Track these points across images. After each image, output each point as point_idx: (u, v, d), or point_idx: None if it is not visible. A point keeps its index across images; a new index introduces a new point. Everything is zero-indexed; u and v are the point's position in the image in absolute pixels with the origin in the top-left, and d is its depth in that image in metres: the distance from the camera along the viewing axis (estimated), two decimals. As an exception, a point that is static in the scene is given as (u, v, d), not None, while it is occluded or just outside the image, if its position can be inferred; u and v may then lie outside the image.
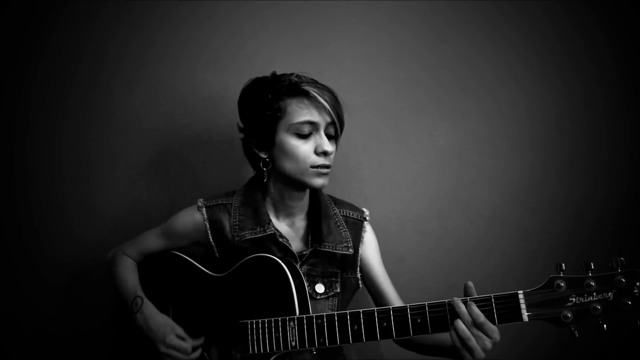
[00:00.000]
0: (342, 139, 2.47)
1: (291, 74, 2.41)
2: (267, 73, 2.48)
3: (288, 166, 2.37)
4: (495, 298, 1.95)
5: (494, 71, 3.13)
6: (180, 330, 2.40)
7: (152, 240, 2.62)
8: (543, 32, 3.14)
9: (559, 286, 1.87)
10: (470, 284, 2.06)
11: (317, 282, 2.47)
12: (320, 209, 2.54)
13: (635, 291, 1.81)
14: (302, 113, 2.33)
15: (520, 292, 1.92)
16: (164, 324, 2.41)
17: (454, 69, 3.14)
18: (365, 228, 2.63)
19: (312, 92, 2.31)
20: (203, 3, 3.08)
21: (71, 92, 3.06)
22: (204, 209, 2.51)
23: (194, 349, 2.39)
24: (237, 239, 2.43)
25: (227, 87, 3.00)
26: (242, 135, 2.54)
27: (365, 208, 2.68)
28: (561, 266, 1.90)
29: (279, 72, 2.47)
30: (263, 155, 2.44)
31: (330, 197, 2.66)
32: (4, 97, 3.05)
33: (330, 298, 2.49)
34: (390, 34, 3.14)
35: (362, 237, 2.61)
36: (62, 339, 3.05)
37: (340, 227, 2.54)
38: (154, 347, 2.40)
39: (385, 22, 3.13)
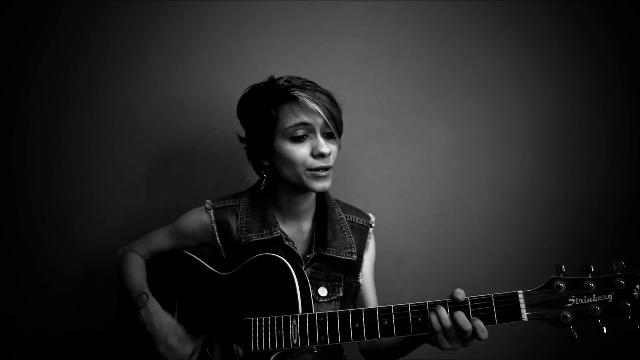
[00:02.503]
0: (343, 139, 2.44)
1: (282, 78, 2.38)
2: (267, 73, 2.46)
3: (287, 172, 2.36)
4: (495, 297, 1.96)
5: (494, 71, 3.14)
6: (181, 332, 2.41)
7: (161, 240, 2.63)
8: (543, 32, 3.15)
9: (558, 287, 1.88)
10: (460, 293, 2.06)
11: (320, 286, 2.47)
12: (326, 214, 2.54)
13: (634, 294, 1.82)
14: (293, 117, 2.30)
15: (520, 292, 1.92)
16: (167, 324, 2.41)
17: (454, 68, 3.14)
18: (370, 235, 2.63)
19: (300, 97, 2.27)
20: (202, 3, 3.07)
21: (70, 92, 3.05)
22: (212, 211, 2.52)
23: (194, 352, 2.39)
24: (243, 240, 2.44)
25: (227, 87, 3.01)
26: (244, 145, 2.54)
27: (365, 207, 2.68)
28: (561, 268, 1.91)
29: (277, 74, 2.45)
30: (265, 163, 2.44)
31: (338, 201, 2.66)
32: (4, 97, 3.04)
33: (333, 302, 2.49)
34: (391, 34, 3.14)
35: (367, 244, 2.61)
36: (63, 340, 3.05)
37: (345, 233, 2.54)
38: (154, 345, 2.41)
39: (385, 22, 3.13)
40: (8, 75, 3.04)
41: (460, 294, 2.01)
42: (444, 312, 2.00)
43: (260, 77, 2.45)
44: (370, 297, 2.61)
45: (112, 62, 3.07)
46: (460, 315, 1.98)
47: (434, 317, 2.01)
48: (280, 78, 2.39)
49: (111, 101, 3.07)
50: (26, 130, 3.04)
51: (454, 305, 2.01)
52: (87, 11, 3.04)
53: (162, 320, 2.43)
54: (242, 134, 2.52)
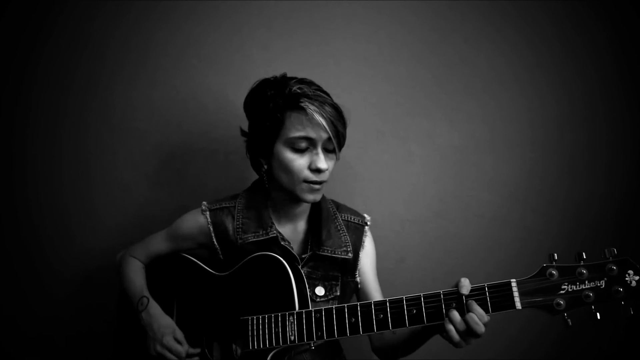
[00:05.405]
0: (343, 139, 2.46)
1: (296, 81, 2.36)
2: (267, 73, 2.47)
3: (282, 178, 2.37)
4: (489, 287, 1.96)
5: (494, 71, 3.14)
6: (180, 335, 2.42)
7: (159, 243, 2.64)
8: (543, 32, 3.14)
9: (551, 274, 1.88)
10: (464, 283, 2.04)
11: (317, 285, 2.47)
12: (321, 214, 2.54)
13: (626, 279, 1.82)
14: (299, 128, 2.29)
15: (513, 280, 1.92)
16: (166, 326, 2.43)
17: (454, 68, 3.14)
18: (366, 233, 2.62)
19: (309, 109, 2.26)
20: (202, 3, 3.08)
21: (70, 92, 3.06)
22: (208, 213, 2.53)
23: (190, 356, 2.40)
24: (240, 241, 2.45)
25: (227, 87, 3.04)
26: (245, 139, 2.54)
27: (365, 206, 2.69)
28: (553, 256, 1.91)
29: (277, 73, 2.46)
30: (262, 161, 2.45)
31: (333, 201, 2.66)
32: (4, 97, 3.05)
33: (331, 301, 2.49)
34: (390, 34, 3.14)
35: (363, 242, 2.60)
36: (63, 342, 3.06)
37: (341, 232, 2.54)
38: (151, 345, 2.42)
39: (385, 22, 3.14)
40: (8, 75, 3.05)
41: (465, 287, 2.01)
42: (456, 316, 1.99)
43: (260, 77, 2.46)
44: (376, 297, 2.57)
45: (112, 62, 3.08)
46: (472, 318, 1.96)
47: (449, 325, 2.00)
48: (292, 79, 2.39)
49: (111, 101, 3.08)
50: (26, 130, 3.05)
51: (449, 295, 2.03)
52: (87, 11, 3.05)
53: (161, 322, 2.45)
54: (245, 126, 2.52)
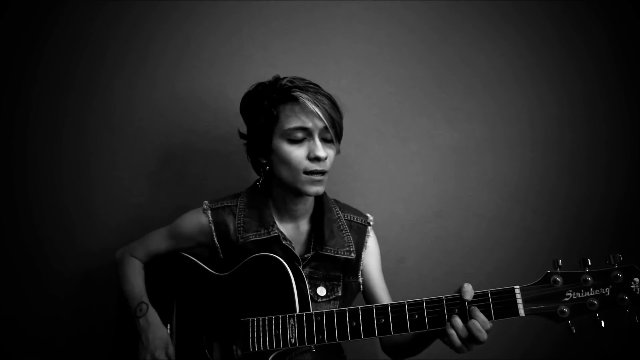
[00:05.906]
0: (344, 138, 2.44)
1: (285, 78, 2.38)
2: (267, 73, 2.47)
3: (283, 173, 2.37)
4: (492, 293, 1.96)
5: (494, 71, 3.13)
6: (172, 351, 2.42)
7: (159, 242, 2.64)
8: (543, 32, 3.14)
9: (555, 281, 1.87)
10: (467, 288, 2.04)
11: (319, 285, 2.47)
12: (323, 213, 2.54)
13: (632, 287, 1.82)
14: (294, 119, 2.30)
15: (517, 287, 1.92)
16: (160, 338, 2.43)
17: (454, 68, 3.14)
18: (369, 233, 2.62)
19: (301, 98, 2.27)
20: (202, 3, 3.07)
21: (71, 92, 3.05)
22: (209, 212, 2.52)
23: None
24: (241, 240, 2.44)
25: (227, 87, 3.02)
26: (244, 141, 2.54)
27: (365, 207, 2.68)
28: (558, 262, 1.91)
29: (277, 72, 2.46)
30: (263, 161, 2.44)
31: (336, 201, 2.65)
32: (4, 97, 3.04)
33: (332, 301, 2.49)
34: (390, 34, 3.14)
35: (366, 242, 2.60)
36: (63, 342, 3.05)
37: (343, 232, 2.54)
38: (142, 354, 2.43)
39: (385, 22, 3.13)
40: (8, 75, 3.04)
41: (468, 292, 2.00)
42: (459, 322, 2.00)
43: (260, 77, 2.46)
44: (383, 296, 2.59)
45: (112, 62, 3.07)
46: (475, 324, 1.96)
47: (451, 330, 2.00)
48: (284, 78, 2.39)
49: (111, 101, 3.07)
50: (26, 130, 3.04)
51: (451, 301, 2.02)
52: (87, 11, 3.04)
53: (157, 333, 2.44)
54: (244, 130, 2.52)
